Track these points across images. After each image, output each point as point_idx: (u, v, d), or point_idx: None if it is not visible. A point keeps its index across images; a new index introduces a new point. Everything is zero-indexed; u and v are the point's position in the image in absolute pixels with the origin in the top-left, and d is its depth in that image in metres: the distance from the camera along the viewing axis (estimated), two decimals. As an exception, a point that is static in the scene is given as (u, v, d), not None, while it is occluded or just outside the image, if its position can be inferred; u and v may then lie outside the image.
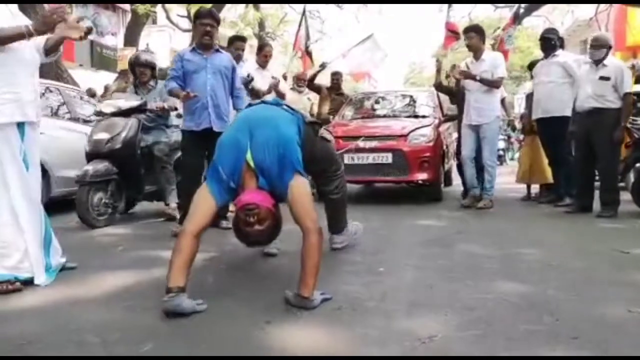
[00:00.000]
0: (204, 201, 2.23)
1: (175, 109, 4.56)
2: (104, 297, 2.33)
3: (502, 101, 5.79)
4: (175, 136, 4.71)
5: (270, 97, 4.81)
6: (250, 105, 2.69)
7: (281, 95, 5.00)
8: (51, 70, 6.85)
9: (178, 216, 4.05)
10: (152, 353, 1.69)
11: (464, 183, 5.54)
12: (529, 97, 5.86)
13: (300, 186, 2.23)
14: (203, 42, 3.86)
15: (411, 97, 6.75)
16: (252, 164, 2.21)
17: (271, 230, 2.20)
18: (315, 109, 7.13)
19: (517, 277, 2.56)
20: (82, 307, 2.20)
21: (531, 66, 6.06)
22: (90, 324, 1.97)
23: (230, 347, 1.75)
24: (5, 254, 2.42)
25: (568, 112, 4.78)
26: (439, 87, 5.80)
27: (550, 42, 5.12)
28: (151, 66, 4.73)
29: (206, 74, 3.86)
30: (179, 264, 2.06)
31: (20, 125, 2.48)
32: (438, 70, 5.73)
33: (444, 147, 5.82)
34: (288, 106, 2.64)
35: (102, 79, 11.47)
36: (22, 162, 2.48)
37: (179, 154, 4.60)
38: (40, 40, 2.58)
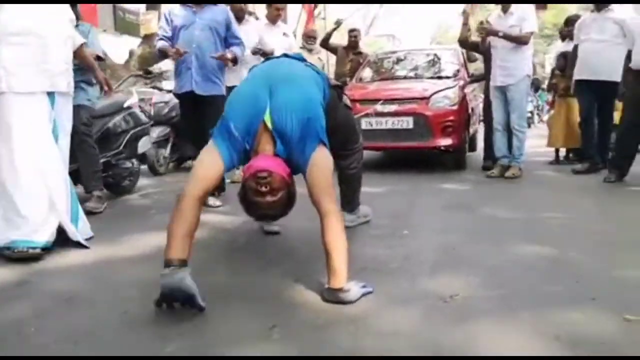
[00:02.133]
0: (210, 161, 1.94)
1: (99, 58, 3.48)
2: (139, 256, 2.46)
3: None
4: (104, 99, 3.74)
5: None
6: (268, 58, 2.38)
7: (265, 54, 4.26)
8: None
9: (101, 210, 3.38)
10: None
11: (486, 149, 5.22)
12: (560, 57, 5.61)
13: (324, 160, 1.94)
14: None
15: (434, 56, 6.26)
16: (270, 126, 1.92)
17: (284, 203, 1.91)
18: (327, 70, 6.71)
19: (540, 240, 2.58)
20: (120, 265, 2.34)
21: (568, 22, 5.78)
22: (129, 280, 2.10)
23: (260, 301, 1.86)
24: (28, 217, 2.40)
25: (616, 77, 4.40)
26: (464, 43, 5.24)
27: None
28: None
29: (193, 30, 3.47)
30: (181, 233, 1.77)
31: (51, 95, 2.54)
32: (464, 24, 5.11)
33: (469, 110, 5.48)
34: (312, 65, 2.37)
35: (126, 43, 11.51)
36: (51, 133, 2.54)
37: (112, 122, 3.85)
38: (73, 16, 2.70)
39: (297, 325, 1.67)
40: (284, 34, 4.95)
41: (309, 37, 6.57)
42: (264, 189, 1.81)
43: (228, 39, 3.58)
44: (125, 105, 4.06)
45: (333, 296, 1.79)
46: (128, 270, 2.25)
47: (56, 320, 1.74)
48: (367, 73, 6.25)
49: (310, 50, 6.33)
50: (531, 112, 15.21)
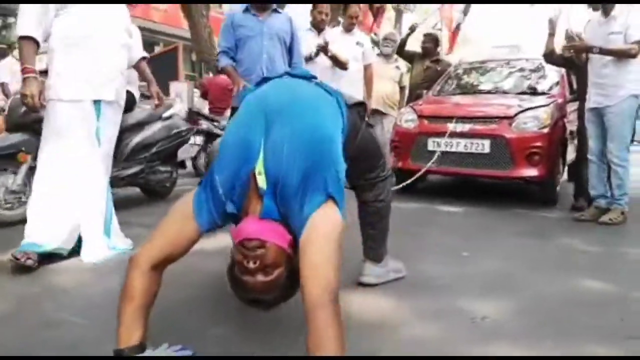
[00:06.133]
0: (182, 221, 1.47)
1: None
2: (213, 250, 2.76)
3: None
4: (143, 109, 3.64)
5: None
6: (266, 79, 1.83)
7: (340, 64, 4.27)
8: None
9: None
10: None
11: (577, 185, 4.45)
12: None
13: (327, 225, 1.34)
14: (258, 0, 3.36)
15: (531, 67, 5.35)
16: (261, 178, 1.42)
17: (282, 285, 1.38)
18: (406, 80, 6.11)
19: (605, 275, 2.50)
20: (198, 257, 2.67)
21: None
22: (209, 270, 2.41)
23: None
24: (46, 222, 2.48)
25: None
26: (549, 56, 4.30)
27: None
28: None
29: (262, 40, 3.35)
30: (129, 316, 1.39)
31: (97, 103, 2.58)
32: (551, 34, 4.18)
33: (567, 134, 4.59)
34: (322, 83, 1.85)
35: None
36: (95, 137, 2.60)
37: (149, 131, 3.85)
38: (130, 27, 2.78)
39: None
40: (358, 43, 4.65)
41: (387, 39, 5.86)
42: (252, 264, 1.32)
43: (292, 50, 3.52)
44: (165, 115, 4.16)
45: None
46: (205, 263, 2.55)
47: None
48: (447, 86, 5.62)
49: (387, 57, 5.76)
50: (664, 139, 13.53)
